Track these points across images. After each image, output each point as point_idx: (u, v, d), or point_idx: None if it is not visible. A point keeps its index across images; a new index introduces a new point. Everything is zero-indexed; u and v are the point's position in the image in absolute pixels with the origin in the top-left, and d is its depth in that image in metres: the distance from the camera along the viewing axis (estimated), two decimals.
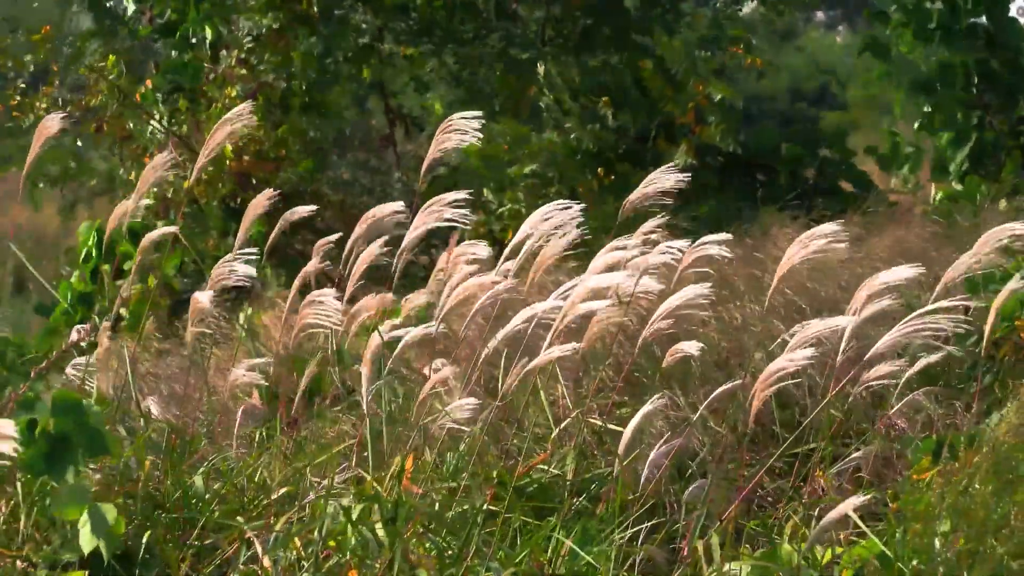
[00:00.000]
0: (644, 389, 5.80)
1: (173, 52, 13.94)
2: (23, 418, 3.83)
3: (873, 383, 4.25)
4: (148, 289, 10.69)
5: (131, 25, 14.43)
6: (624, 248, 4.59)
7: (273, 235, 4.88)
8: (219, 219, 13.14)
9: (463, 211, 4.42)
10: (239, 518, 4.12)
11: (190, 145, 13.16)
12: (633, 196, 4.61)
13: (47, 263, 15.23)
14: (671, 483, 4.89)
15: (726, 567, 3.97)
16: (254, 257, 4.61)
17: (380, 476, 4.18)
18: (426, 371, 4.62)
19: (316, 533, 3.94)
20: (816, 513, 4.23)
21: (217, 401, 5.45)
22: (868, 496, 3.86)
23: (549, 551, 4.06)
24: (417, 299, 5.37)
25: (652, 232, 4.75)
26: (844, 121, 23.76)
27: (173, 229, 4.88)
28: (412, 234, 4.47)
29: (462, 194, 4.45)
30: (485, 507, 4.17)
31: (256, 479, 4.39)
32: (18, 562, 3.88)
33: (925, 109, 14.76)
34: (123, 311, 10.03)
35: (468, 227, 4.96)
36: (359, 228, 4.64)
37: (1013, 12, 15.00)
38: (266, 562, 3.88)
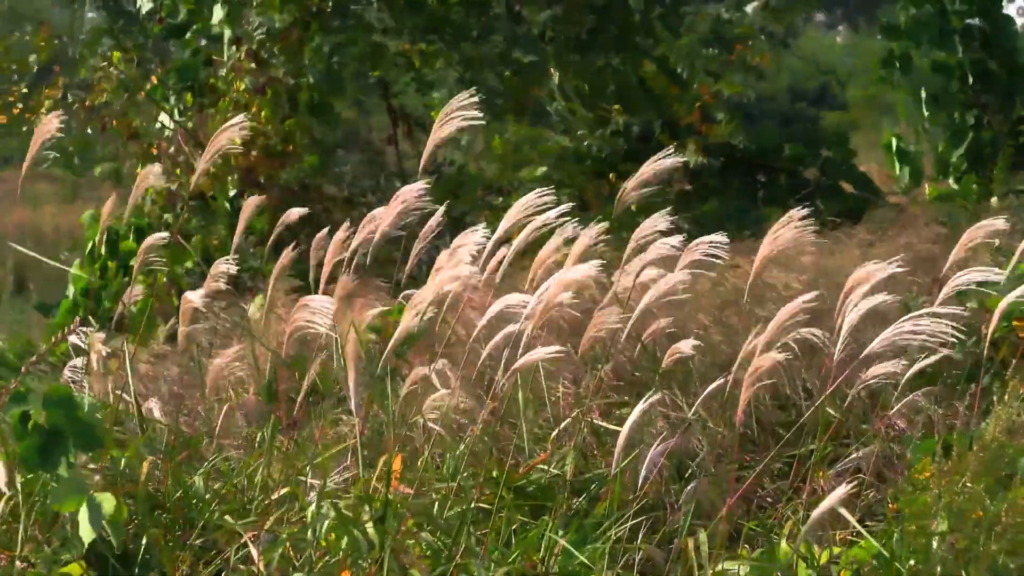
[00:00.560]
0: (644, 389, 5.81)
1: (186, 52, 13.94)
2: (15, 411, 3.85)
3: (871, 382, 4.25)
4: (154, 288, 10.69)
5: (144, 24, 14.40)
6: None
7: (274, 235, 4.88)
8: (226, 215, 13.11)
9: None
10: (228, 518, 4.12)
11: (197, 138, 13.14)
12: (630, 184, 4.60)
13: (47, 263, 15.21)
14: (671, 483, 4.90)
15: (721, 566, 3.98)
16: (254, 258, 4.59)
17: (371, 476, 4.19)
18: (415, 370, 4.61)
19: (309, 533, 3.95)
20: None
21: (216, 401, 5.46)
22: (852, 485, 3.87)
23: (542, 550, 4.07)
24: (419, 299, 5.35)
25: (650, 235, 4.73)
26: (844, 121, 23.76)
27: (166, 236, 4.87)
28: (384, 225, 4.40)
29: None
30: (479, 506, 4.18)
31: (256, 480, 4.40)
32: (18, 562, 3.88)
33: (924, 111, 14.79)
34: (132, 308, 10.01)
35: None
36: (364, 226, 4.59)
37: (1012, 12, 15.01)
38: (260, 563, 3.89)
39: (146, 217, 12.74)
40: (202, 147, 13.11)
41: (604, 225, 4.58)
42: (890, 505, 4.41)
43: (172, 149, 13.17)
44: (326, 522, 3.96)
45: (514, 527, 4.28)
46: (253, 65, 13.25)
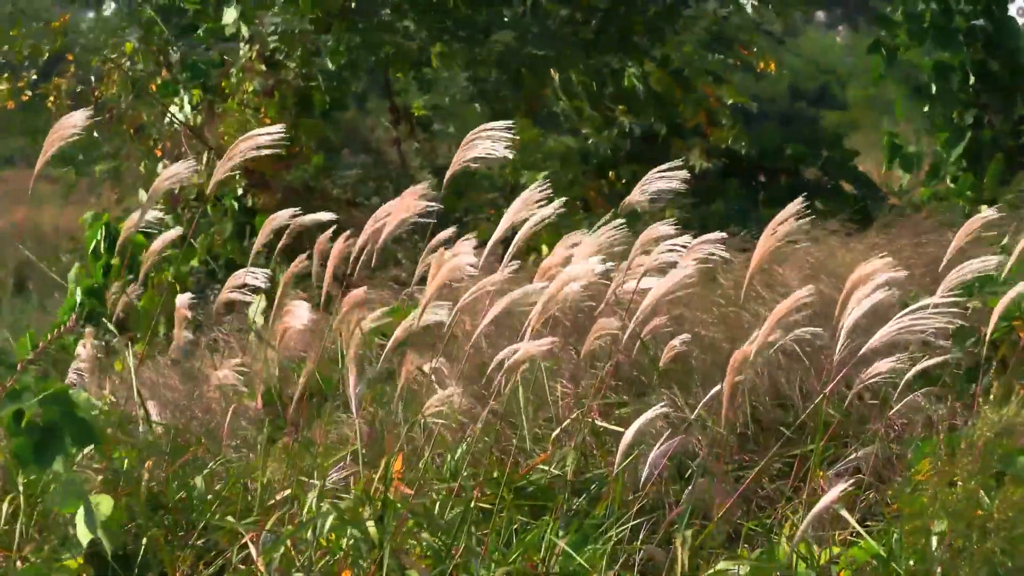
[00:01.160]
0: (644, 388, 5.81)
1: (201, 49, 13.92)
2: (10, 409, 3.85)
3: (871, 380, 4.26)
4: (160, 287, 10.68)
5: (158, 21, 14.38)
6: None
7: (282, 242, 4.83)
8: (233, 214, 13.08)
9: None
10: (229, 518, 4.13)
11: (203, 137, 13.13)
12: (630, 197, 4.61)
13: (47, 263, 15.23)
14: (671, 483, 4.90)
15: (721, 566, 3.99)
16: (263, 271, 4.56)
17: (372, 476, 4.19)
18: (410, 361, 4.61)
19: (309, 533, 3.96)
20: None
21: (216, 403, 5.47)
22: (850, 484, 3.88)
23: (543, 551, 4.07)
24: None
25: (654, 238, 4.72)
26: (844, 121, 23.77)
27: (178, 232, 4.84)
28: (389, 227, 4.38)
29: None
30: (478, 506, 4.18)
31: (257, 480, 4.40)
32: (18, 562, 3.89)
33: (924, 110, 14.78)
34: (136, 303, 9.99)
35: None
36: (369, 226, 4.55)
37: (1012, 12, 15.03)
38: (260, 564, 3.90)
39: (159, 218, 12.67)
40: (208, 146, 13.07)
41: (618, 222, 4.57)
42: (889, 505, 4.41)
43: (182, 148, 13.14)
44: (327, 521, 3.96)
45: (515, 527, 4.29)
46: (263, 67, 13.22)
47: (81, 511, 3.82)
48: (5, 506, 4.01)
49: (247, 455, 4.87)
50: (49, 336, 4.25)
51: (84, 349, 4.76)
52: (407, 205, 4.34)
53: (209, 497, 4.28)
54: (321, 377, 5.51)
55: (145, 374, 6.90)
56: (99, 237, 12.31)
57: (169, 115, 13.42)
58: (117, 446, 4.31)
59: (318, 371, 5.15)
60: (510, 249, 4.45)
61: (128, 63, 13.61)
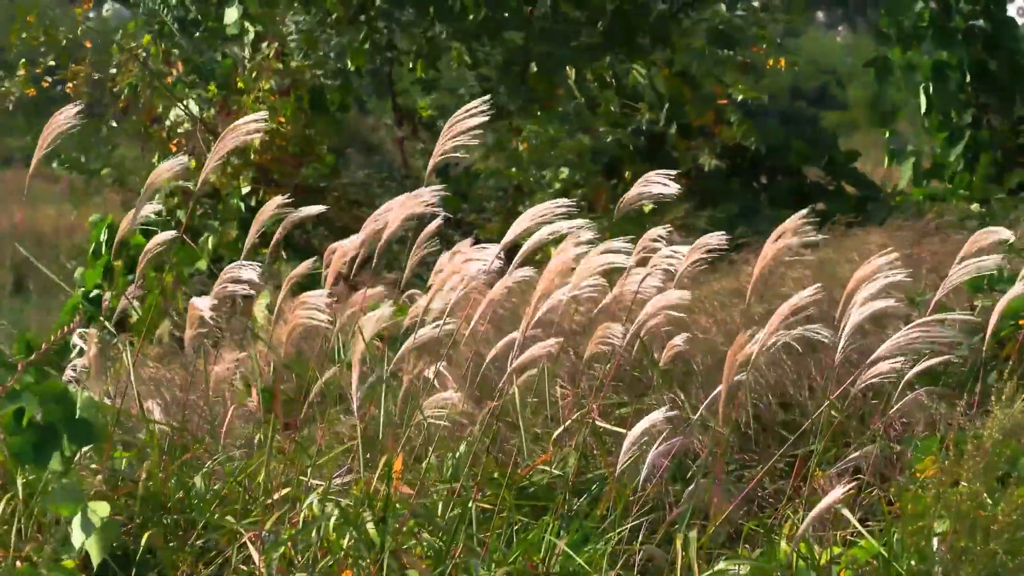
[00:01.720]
0: (644, 389, 5.81)
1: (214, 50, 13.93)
2: (10, 408, 3.84)
3: (873, 380, 4.25)
4: (162, 286, 10.66)
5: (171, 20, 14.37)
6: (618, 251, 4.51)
7: (277, 235, 4.78)
8: (239, 213, 13.05)
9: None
10: (230, 518, 4.12)
11: (217, 132, 13.11)
12: (628, 195, 4.58)
13: (46, 262, 15.22)
14: (672, 483, 4.90)
15: (721, 565, 3.98)
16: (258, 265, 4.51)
17: (372, 477, 4.19)
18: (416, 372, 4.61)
19: (313, 534, 3.95)
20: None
21: (218, 403, 5.46)
22: (851, 486, 3.87)
23: (543, 551, 4.06)
24: (423, 300, 5.35)
25: (656, 239, 4.70)
26: (844, 121, 23.77)
27: (173, 233, 4.80)
28: (391, 227, 4.34)
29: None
30: (480, 506, 4.18)
31: (258, 480, 4.39)
32: (18, 562, 3.88)
33: (923, 111, 14.80)
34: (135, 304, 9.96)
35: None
36: (368, 224, 4.51)
37: (1012, 13, 15.02)
38: (260, 564, 3.89)
39: (162, 214, 12.68)
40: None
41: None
42: (890, 505, 4.40)
43: (194, 146, 13.12)
44: (329, 521, 3.96)
45: (515, 528, 4.28)
46: (279, 65, 13.18)
47: (78, 516, 3.81)
48: (3, 505, 4.00)
49: (246, 455, 4.86)
50: (52, 337, 4.24)
51: (86, 349, 4.73)
52: (407, 205, 4.31)
53: (208, 497, 4.27)
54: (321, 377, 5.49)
55: (145, 373, 6.90)
56: (101, 238, 12.31)
57: (183, 110, 13.39)
58: (117, 445, 4.30)
59: (318, 371, 5.13)
60: (516, 258, 4.42)
61: (144, 54, 13.59)
